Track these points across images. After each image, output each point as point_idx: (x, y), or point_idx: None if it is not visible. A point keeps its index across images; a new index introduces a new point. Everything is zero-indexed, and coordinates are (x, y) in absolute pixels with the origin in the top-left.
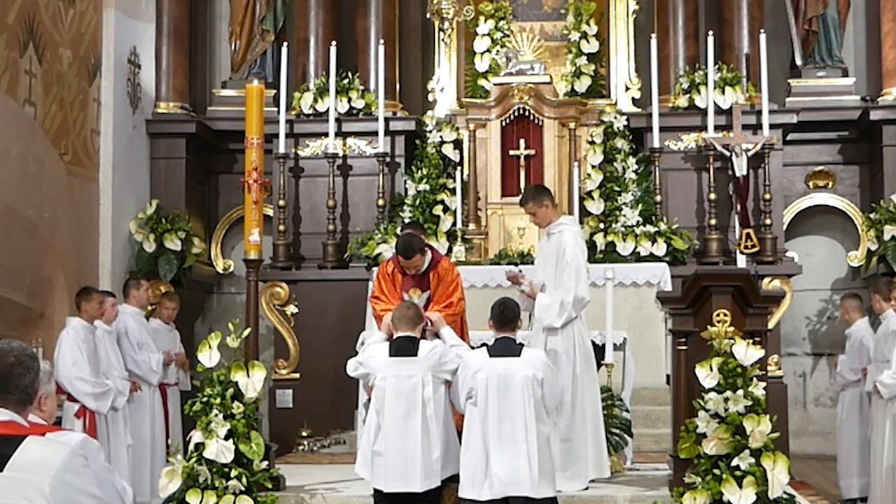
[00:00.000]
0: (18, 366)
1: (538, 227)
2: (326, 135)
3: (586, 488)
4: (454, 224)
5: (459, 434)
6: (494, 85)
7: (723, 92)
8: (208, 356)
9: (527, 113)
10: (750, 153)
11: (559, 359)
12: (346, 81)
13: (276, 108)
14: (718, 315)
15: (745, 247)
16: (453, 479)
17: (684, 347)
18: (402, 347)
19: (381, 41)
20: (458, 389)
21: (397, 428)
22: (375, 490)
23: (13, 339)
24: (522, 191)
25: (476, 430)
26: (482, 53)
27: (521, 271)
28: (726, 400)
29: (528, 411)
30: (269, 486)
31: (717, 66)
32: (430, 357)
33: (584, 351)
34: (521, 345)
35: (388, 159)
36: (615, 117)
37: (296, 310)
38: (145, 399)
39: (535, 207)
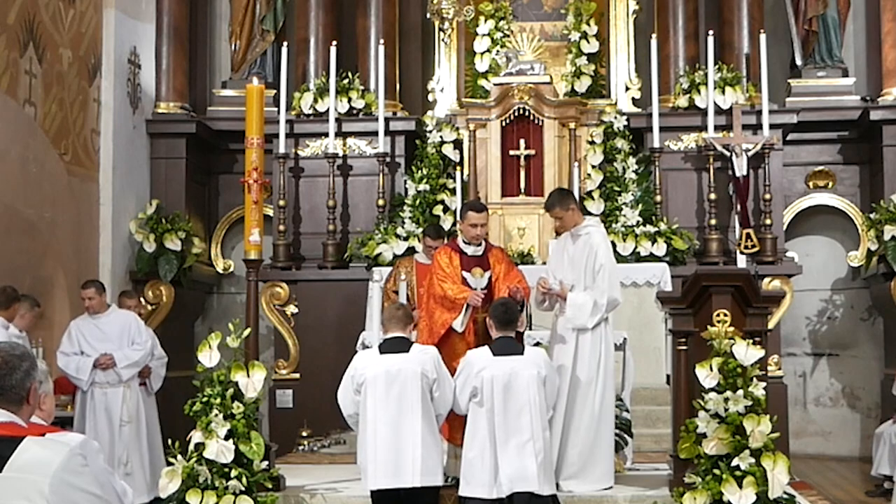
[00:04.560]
0: (4, 366)
1: (562, 231)
2: (326, 135)
3: (609, 487)
4: (454, 224)
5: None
6: (494, 85)
7: (723, 92)
8: (208, 356)
9: (527, 113)
10: (750, 153)
11: (586, 358)
12: (346, 81)
13: (276, 108)
14: (718, 315)
15: (745, 247)
16: (452, 482)
17: (684, 347)
18: (393, 347)
19: (381, 41)
20: (461, 390)
21: (385, 424)
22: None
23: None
24: (548, 195)
25: (482, 429)
26: (482, 53)
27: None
28: (726, 400)
29: (534, 409)
30: (269, 486)
31: (717, 66)
32: (420, 355)
33: (608, 352)
34: (523, 344)
35: (388, 159)
36: (615, 117)
37: (296, 310)
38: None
39: (561, 212)
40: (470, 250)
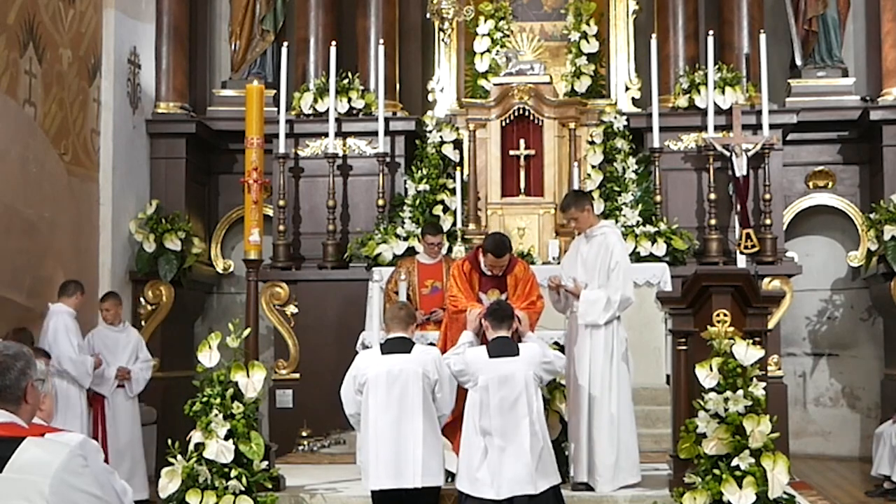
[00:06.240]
0: None
1: (578, 232)
2: (326, 135)
3: (637, 484)
4: (454, 224)
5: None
6: (494, 85)
7: (723, 92)
8: (208, 356)
9: (527, 113)
10: (750, 153)
11: (599, 358)
12: (346, 81)
13: (276, 108)
14: (718, 315)
15: (745, 247)
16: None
17: (684, 347)
18: (395, 347)
19: (381, 41)
20: (455, 378)
21: (386, 425)
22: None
23: (13, 339)
24: (564, 196)
25: (479, 430)
26: (482, 53)
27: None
28: (726, 400)
29: (532, 409)
30: (269, 486)
31: (717, 66)
32: (422, 355)
33: (620, 350)
34: (517, 344)
35: (388, 159)
36: (615, 117)
37: (296, 310)
38: (76, 403)
39: (577, 213)
40: (490, 272)
